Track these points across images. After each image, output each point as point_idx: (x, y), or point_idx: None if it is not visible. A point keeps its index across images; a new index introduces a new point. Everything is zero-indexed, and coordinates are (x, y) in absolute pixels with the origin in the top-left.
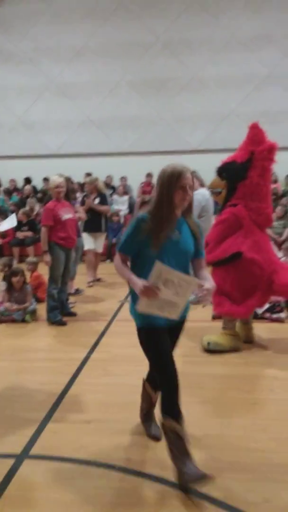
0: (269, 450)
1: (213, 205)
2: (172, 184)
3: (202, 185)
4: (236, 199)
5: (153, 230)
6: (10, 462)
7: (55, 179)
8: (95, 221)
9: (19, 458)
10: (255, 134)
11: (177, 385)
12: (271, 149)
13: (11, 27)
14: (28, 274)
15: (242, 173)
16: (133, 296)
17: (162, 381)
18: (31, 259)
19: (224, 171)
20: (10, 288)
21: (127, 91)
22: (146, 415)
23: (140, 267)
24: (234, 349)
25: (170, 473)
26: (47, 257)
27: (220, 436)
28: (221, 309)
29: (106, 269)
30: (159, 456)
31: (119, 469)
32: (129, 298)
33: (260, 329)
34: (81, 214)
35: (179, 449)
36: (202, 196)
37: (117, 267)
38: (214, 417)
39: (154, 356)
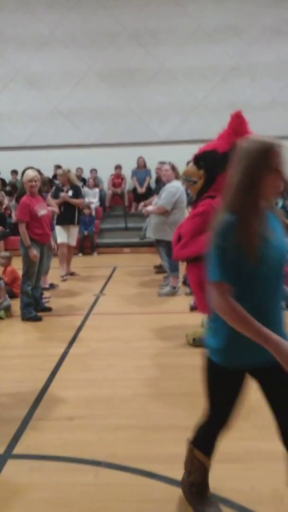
0: (253, 438)
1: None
2: (261, 165)
3: (176, 177)
4: (214, 190)
5: (243, 234)
6: None
7: (29, 173)
8: (68, 214)
9: (2, 458)
10: (239, 124)
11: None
12: None
13: None
14: (1, 269)
15: (222, 164)
16: (226, 331)
17: (216, 422)
18: (4, 253)
19: (202, 160)
20: None
21: (95, 82)
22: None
23: (245, 297)
24: None
25: (156, 467)
26: (33, 251)
27: None
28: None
29: (79, 263)
30: (144, 451)
31: (105, 465)
32: (207, 322)
33: None
34: (55, 208)
35: (201, 489)
36: (176, 188)
37: (231, 311)
38: (198, 409)
39: (225, 400)
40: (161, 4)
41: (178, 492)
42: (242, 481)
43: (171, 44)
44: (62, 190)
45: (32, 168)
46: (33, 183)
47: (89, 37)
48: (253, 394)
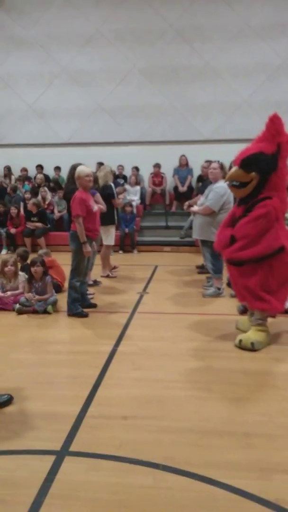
0: None
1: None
2: None
3: (224, 177)
4: (269, 191)
5: None
6: (51, 458)
7: (85, 169)
8: (107, 213)
9: (60, 455)
10: (279, 124)
11: None
12: None
13: (22, 12)
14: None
15: (274, 165)
16: None
17: None
18: (42, 251)
19: (254, 162)
20: (30, 279)
21: (139, 79)
22: None
23: None
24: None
25: (216, 473)
26: (87, 248)
27: (264, 435)
28: (266, 306)
29: (120, 260)
30: (203, 456)
31: (164, 468)
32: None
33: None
34: (102, 206)
35: None
36: (224, 189)
37: None
38: (253, 415)
39: None
40: (207, 1)
41: (239, 500)
42: None
43: (217, 42)
44: None
45: (82, 164)
46: (90, 178)
47: (134, 34)
48: None
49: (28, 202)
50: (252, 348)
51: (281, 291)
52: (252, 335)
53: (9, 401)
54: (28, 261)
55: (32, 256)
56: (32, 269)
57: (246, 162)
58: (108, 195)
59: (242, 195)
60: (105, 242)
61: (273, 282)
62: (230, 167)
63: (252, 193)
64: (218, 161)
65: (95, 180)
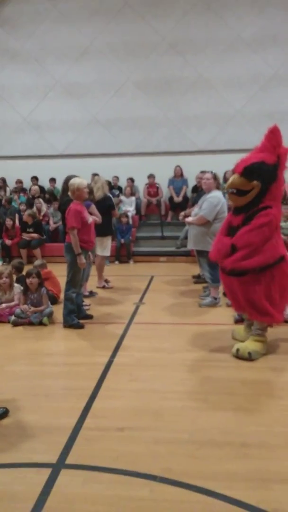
0: None
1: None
2: None
3: (217, 187)
4: (269, 200)
5: None
6: (47, 471)
7: (81, 181)
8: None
9: (56, 468)
10: (279, 136)
11: None
12: None
13: (17, 25)
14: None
15: (274, 175)
16: None
17: None
18: (38, 262)
19: (257, 171)
20: (26, 290)
21: (133, 91)
22: None
23: None
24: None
25: (214, 484)
26: (82, 259)
27: (262, 445)
28: (268, 319)
29: (115, 271)
30: (200, 467)
31: (161, 480)
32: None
33: (285, 332)
34: (98, 217)
35: None
36: (217, 199)
37: None
38: (251, 425)
39: None
40: (200, 14)
41: (237, 511)
42: None
43: (209, 54)
44: None
45: (77, 176)
46: (87, 189)
47: (128, 47)
48: None
49: (24, 214)
50: (249, 357)
51: (282, 302)
52: (250, 344)
53: (4, 414)
54: (24, 273)
55: (27, 268)
56: (28, 281)
57: (249, 171)
58: (109, 206)
59: (241, 203)
60: (100, 253)
61: (276, 292)
62: (225, 178)
63: (252, 202)
64: (211, 172)
65: (90, 191)
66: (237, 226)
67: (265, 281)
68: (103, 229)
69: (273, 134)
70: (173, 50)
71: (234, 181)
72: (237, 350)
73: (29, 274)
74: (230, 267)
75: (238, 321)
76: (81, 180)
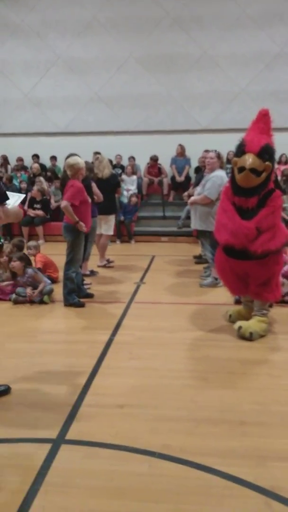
0: None
1: None
2: None
3: (221, 166)
4: (272, 182)
5: None
6: (48, 447)
7: (81, 160)
8: (111, 203)
9: (56, 443)
10: (270, 120)
11: None
12: None
13: None
14: (31, 259)
15: (274, 158)
16: None
17: None
18: (32, 243)
19: (268, 152)
20: (14, 275)
21: (136, 68)
22: None
23: None
24: None
25: (212, 460)
26: (82, 225)
27: (260, 423)
28: (271, 295)
29: (117, 250)
30: (198, 444)
31: (160, 456)
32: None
33: (282, 313)
34: (99, 195)
35: None
36: (220, 178)
37: None
38: (249, 403)
39: None
40: None
41: (234, 487)
42: None
43: (214, 30)
44: None
45: (76, 154)
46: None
47: (131, 22)
48: None
49: (33, 189)
50: (249, 337)
51: (279, 280)
52: (253, 325)
53: (6, 391)
54: (24, 251)
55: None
56: (10, 266)
57: (265, 151)
58: (115, 184)
59: (255, 184)
60: (105, 232)
61: (279, 270)
62: (228, 159)
63: (263, 183)
64: (215, 151)
65: (91, 169)
66: (252, 209)
67: (277, 261)
68: (108, 208)
69: (268, 117)
70: (177, 26)
71: (255, 161)
72: (239, 327)
73: (9, 259)
74: (260, 250)
75: (238, 301)
76: (79, 160)
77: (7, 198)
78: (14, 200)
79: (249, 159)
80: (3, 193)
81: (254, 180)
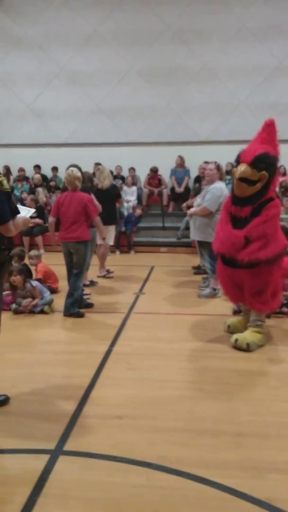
0: None
1: None
2: None
3: (220, 178)
4: (272, 192)
5: None
6: (46, 457)
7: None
8: (111, 213)
9: (54, 454)
10: (276, 129)
11: None
12: None
13: (21, 12)
14: (32, 268)
15: (276, 167)
16: None
17: None
18: (33, 252)
19: (266, 162)
20: (14, 288)
21: (137, 80)
22: None
23: None
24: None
25: (209, 472)
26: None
27: (257, 435)
28: (266, 307)
29: (116, 261)
30: (196, 455)
31: (157, 467)
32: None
33: (280, 325)
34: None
35: None
36: (220, 190)
37: None
38: (246, 415)
39: None
40: (205, 2)
41: (231, 499)
42: None
43: (214, 43)
44: None
45: (76, 165)
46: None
47: (132, 35)
48: None
49: (27, 199)
50: (247, 348)
51: (278, 291)
52: (249, 336)
53: (4, 401)
54: (26, 261)
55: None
56: (11, 280)
57: (259, 160)
58: (116, 195)
59: (249, 193)
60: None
61: (278, 282)
62: (227, 170)
63: (258, 192)
64: (215, 162)
65: (90, 179)
66: (245, 218)
67: (274, 271)
68: (108, 218)
69: (272, 127)
70: (177, 38)
71: (246, 170)
72: (236, 340)
73: (10, 272)
74: (247, 259)
75: (237, 312)
76: (76, 172)
77: (18, 213)
78: (24, 213)
79: (240, 169)
80: (15, 207)
81: (247, 190)
